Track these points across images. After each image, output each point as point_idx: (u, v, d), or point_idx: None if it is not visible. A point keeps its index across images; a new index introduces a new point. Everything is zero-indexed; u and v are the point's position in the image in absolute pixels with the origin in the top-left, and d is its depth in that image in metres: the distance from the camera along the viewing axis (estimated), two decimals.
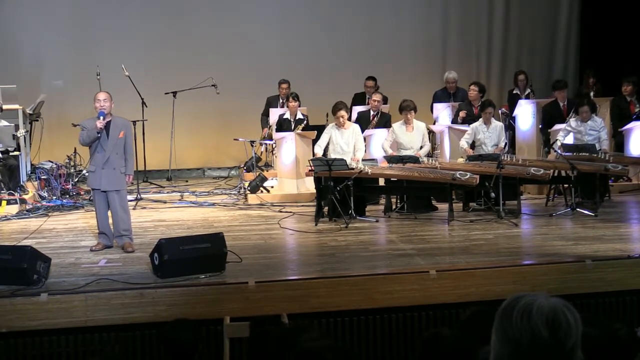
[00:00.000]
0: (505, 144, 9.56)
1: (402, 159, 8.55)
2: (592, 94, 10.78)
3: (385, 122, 10.18)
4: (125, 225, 7.09)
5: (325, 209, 8.26)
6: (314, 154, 9.02)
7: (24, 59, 11.90)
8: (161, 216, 8.76)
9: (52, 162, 10.14)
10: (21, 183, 9.55)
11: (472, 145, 9.16)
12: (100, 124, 6.86)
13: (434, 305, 5.84)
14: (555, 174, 8.69)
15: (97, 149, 6.97)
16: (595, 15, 12.93)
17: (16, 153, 9.53)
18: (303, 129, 10.00)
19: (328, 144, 9.00)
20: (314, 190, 8.65)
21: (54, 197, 9.48)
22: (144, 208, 9.27)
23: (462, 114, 10.12)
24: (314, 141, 9.34)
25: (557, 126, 9.71)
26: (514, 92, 11.56)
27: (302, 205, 9.05)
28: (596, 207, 8.36)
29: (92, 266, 6.45)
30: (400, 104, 9.15)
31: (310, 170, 8.42)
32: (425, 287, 5.87)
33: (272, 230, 7.90)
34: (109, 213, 7.11)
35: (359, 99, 11.37)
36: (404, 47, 12.96)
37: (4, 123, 9.53)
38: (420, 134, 9.14)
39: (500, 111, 11.13)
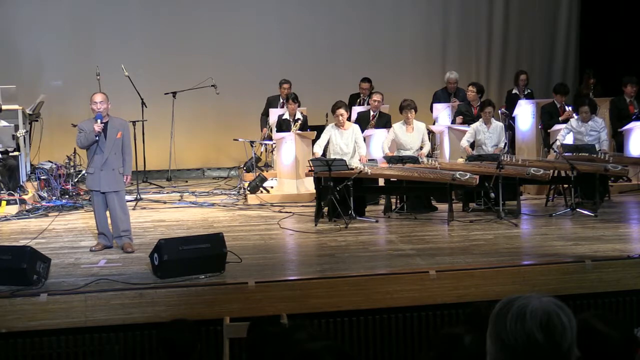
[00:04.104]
0: (505, 144, 9.56)
1: (402, 159, 8.54)
2: (591, 94, 10.77)
3: (385, 122, 10.18)
4: (125, 225, 7.08)
5: (325, 209, 8.26)
6: (313, 154, 9.02)
7: (24, 59, 11.89)
8: (161, 216, 8.75)
9: (51, 162, 10.14)
10: (21, 183, 9.54)
11: (472, 146, 9.16)
12: (98, 127, 6.84)
13: (433, 305, 5.84)
14: (555, 174, 8.69)
15: (95, 151, 6.96)
16: (595, 15, 12.92)
17: (16, 153, 9.53)
18: (300, 128, 10.00)
19: (328, 144, 9.00)
20: (314, 191, 8.66)
21: (54, 198, 9.48)
22: (144, 208, 9.26)
23: (458, 119, 10.11)
24: (314, 141, 9.33)
25: (557, 126, 9.71)
26: (513, 92, 11.56)
27: (302, 206, 9.04)
28: (596, 207, 8.35)
29: (91, 266, 6.45)
30: (400, 103, 9.16)
31: (310, 171, 8.41)
32: (425, 288, 5.87)
33: (271, 230, 7.90)
34: (108, 213, 7.11)
35: (354, 100, 11.33)
36: (404, 47, 12.95)
37: (4, 123, 9.52)
38: (420, 134, 9.14)
39: (500, 111, 11.13)
